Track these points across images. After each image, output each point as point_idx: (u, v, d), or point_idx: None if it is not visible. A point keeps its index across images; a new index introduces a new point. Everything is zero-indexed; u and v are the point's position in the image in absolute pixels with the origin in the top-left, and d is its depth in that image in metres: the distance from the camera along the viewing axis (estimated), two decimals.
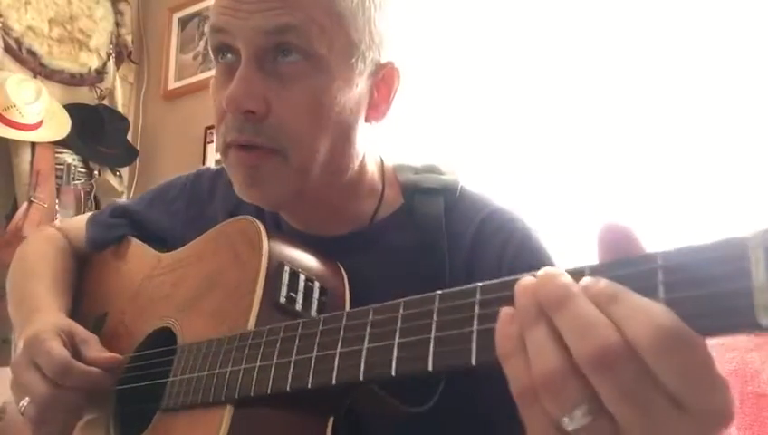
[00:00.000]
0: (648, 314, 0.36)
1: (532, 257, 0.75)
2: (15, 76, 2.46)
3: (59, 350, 0.76)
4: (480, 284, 0.47)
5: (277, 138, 0.70)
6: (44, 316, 0.85)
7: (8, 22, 2.53)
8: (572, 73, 1.91)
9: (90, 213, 1.06)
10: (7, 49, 2.54)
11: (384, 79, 0.77)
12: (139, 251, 0.95)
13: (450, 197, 0.81)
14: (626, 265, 0.39)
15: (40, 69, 2.63)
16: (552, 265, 0.75)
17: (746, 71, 1.63)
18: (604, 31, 1.87)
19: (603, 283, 0.39)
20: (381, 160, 0.85)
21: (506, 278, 0.46)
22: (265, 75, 0.69)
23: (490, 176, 1.90)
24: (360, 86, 0.74)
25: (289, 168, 0.71)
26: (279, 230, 0.83)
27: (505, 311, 0.42)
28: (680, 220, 1.60)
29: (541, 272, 0.41)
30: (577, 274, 0.41)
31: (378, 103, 0.77)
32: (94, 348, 0.79)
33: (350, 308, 0.69)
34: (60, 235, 1.04)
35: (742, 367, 1.34)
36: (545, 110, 1.94)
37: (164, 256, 0.88)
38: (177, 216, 0.94)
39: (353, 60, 0.72)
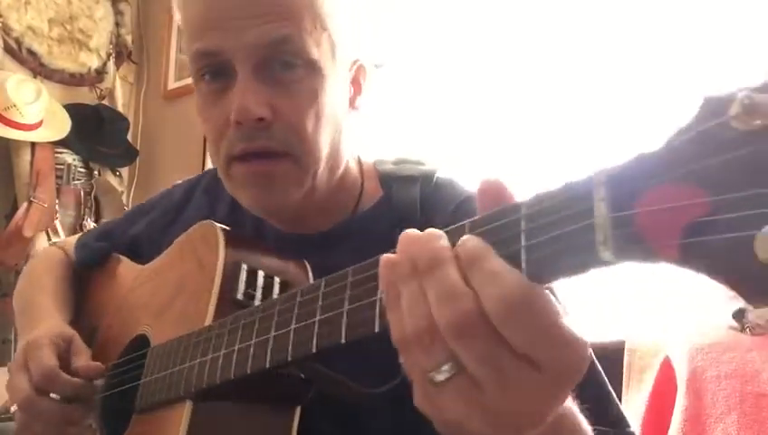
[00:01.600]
0: (498, 283, 0.38)
1: None
2: (15, 76, 2.46)
3: (48, 357, 0.78)
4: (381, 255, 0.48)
5: (287, 140, 0.73)
6: (46, 325, 0.88)
7: (8, 22, 2.53)
8: (559, 76, 1.91)
9: (79, 235, 1.15)
10: (7, 49, 2.54)
11: (356, 75, 0.82)
12: (123, 266, 0.99)
13: (427, 185, 0.84)
14: (498, 216, 0.41)
15: (40, 69, 2.63)
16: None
17: (743, 71, 1.63)
18: (593, 32, 1.87)
19: (471, 244, 0.41)
20: (359, 157, 0.89)
21: None
22: (267, 84, 0.72)
23: (469, 169, 1.90)
24: (342, 82, 0.79)
25: (300, 169, 0.75)
26: (261, 235, 0.86)
27: (386, 257, 0.44)
28: None
29: (424, 232, 0.43)
30: (459, 229, 0.43)
31: (353, 98, 0.82)
32: (82, 359, 0.82)
33: None
34: (61, 252, 1.10)
35: (742, 367, 1.34)
36: (530, 108, 1.94)
37: (143, 268, 0.92)
38: (153, 225, 0.99)
39: (335, 58, 0.76)
